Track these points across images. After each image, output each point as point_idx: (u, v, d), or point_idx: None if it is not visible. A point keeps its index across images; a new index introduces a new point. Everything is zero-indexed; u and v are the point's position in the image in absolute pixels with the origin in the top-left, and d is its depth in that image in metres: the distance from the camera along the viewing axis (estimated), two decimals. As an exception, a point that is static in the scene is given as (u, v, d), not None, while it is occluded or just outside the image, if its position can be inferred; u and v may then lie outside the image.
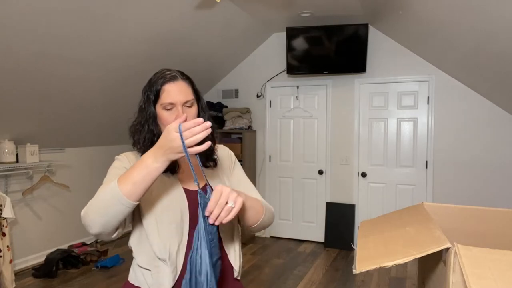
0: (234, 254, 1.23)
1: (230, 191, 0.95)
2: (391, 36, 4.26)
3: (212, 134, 1.24)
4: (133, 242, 1.17)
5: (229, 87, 5.12)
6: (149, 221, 1.13)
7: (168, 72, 1.15)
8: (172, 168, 1.19)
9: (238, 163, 1.38)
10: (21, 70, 2.86)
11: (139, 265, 1.15)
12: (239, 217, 1.17)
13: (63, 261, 3.75)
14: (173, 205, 1.14)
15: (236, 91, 5.08)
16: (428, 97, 4.22)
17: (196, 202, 1.06)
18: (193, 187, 1.20)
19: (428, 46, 3.80)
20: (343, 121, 4.58)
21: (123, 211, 0.97)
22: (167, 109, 1.13)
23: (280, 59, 4.76)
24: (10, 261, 3.17)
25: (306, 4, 3.68)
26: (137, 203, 0.98)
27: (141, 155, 1.15)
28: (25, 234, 3.80)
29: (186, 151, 0.91)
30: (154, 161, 0.95)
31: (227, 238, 1.23)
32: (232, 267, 1.23)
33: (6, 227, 3.18)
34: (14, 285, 3.20)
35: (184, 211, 1.15)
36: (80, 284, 3.43)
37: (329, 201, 4.65)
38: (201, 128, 0.91)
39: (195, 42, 3.89)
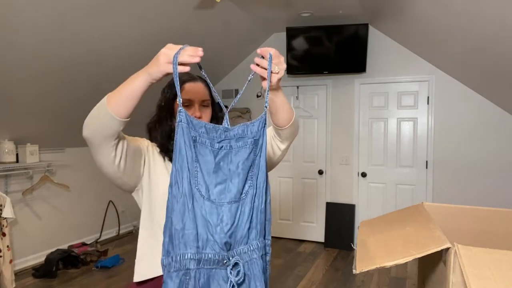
0: None
1: (283, 61, 1.01)
2: (391, 36, 4.26)
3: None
4: (143, 225, 1.20)
5: (229, 87, 5.12)
6: (160, 208, 1.17)
7: (188, 75, 1.25)
8: None
9: None
10: (21, 70, 2.86)
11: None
12: (273, 114, 1.13)
13: (63, 261, 3.75)
14: None
15: (236, 91, 5.08)
16: (428, 97, 4.22)
17: None
18: None
19: (428, 46, 3.80)
20: (343, 121, 4.58)
21: (105, 120, 0.98)
22: (185, 106, 1.21)
23: (280, 59, 4.75)
24: (10, 261, 3.17)
25: (306, 4, 3.68)
26: (120, 119, 0.98)
27: (158, 147, 1.24)
28: (25, 234, 3.80)
29: (175, 66, 0.93)
30: (137, 77, 0.98)
31: None
32: None
33: (6, 227, 3.18)
34: (14, 285, 3.20)
35: None
36: (80, 284, 3.43)
37: (329, 201, 4.65)
38: (194, 52, 0.94)
39: (195, 42, 3.89)
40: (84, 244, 4.10)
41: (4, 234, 3.15)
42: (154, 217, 1.18)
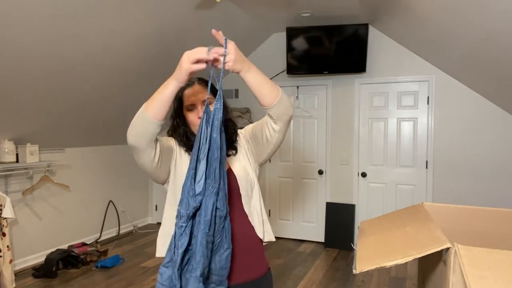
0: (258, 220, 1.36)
1: (234, 55, 1.12)
2: (391, 36, 4.26)
3: (234, 127, 1.43)
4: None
5: (229, 87, 5.12)
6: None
7: (187, 82, 1.35)
8: None
9: (249, 128, 1.46)
10: (22, 70, 2.86)
11: None
12: (255, 95, 1.23)
13: (63, 261, 3.75)
14: None
15: (236, 91, 5.08)
16: (428, 97, 4.22)
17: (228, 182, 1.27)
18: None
19: (428, 46, 3.80)
20: (343, 121, 4.58)
21: (145, 125, 1.15)
22: (190, 110, 1.35)
23: (280, 59, 4.75)
24: (10, 261, 3.17)
25: (306, 4, 3.68)
26: (158, 121, 1.15)
27: (183, 148, 1.38)
28: (25, 234, 3.80)
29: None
30: (167, 85, 1.14)
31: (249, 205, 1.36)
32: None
33: (6, 227, 3.18)
34: (14, 285, 3.20)
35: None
36: (80, 284, 3.43)
37: (329, 201, 4.65)
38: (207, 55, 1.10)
39: (195, 42, 3.89)
40: (84, 244, 4.09)
41: (4, 234, 3.15)
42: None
